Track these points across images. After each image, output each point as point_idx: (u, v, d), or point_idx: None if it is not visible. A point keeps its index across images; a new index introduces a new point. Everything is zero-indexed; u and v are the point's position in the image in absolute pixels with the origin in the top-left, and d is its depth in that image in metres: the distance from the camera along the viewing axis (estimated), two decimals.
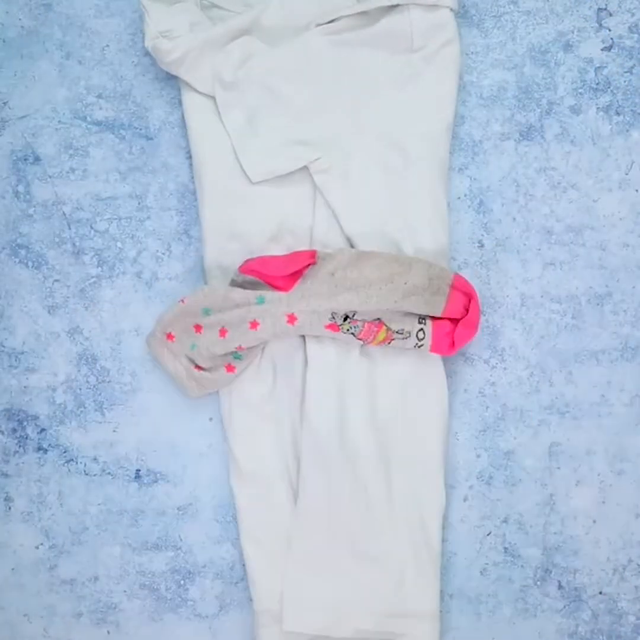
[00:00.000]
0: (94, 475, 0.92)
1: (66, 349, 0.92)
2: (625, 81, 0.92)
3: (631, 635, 0.90)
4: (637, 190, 0.91)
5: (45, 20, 0.93)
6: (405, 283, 0.85)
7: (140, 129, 0.93)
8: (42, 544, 0.92)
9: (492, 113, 0.92)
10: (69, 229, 0.93)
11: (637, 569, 0.90)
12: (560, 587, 0.91)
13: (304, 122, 0.89)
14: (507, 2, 0.93)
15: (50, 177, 0.93)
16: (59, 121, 0.93)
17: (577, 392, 0.91)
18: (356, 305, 0.86)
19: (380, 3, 0.87)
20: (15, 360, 0.92)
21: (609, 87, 0.92)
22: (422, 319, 0.87)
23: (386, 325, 0.87)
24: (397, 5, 0.87)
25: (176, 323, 0.87)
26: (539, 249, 0.91)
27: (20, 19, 0.94)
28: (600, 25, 0.92)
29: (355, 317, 0.87)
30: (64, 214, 0.92)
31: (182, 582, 0.92)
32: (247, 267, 0.86)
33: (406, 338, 0.87)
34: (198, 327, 0.87)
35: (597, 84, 0.92)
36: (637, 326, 0.91)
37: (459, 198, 0.92)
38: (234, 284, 0.87)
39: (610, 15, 0.92)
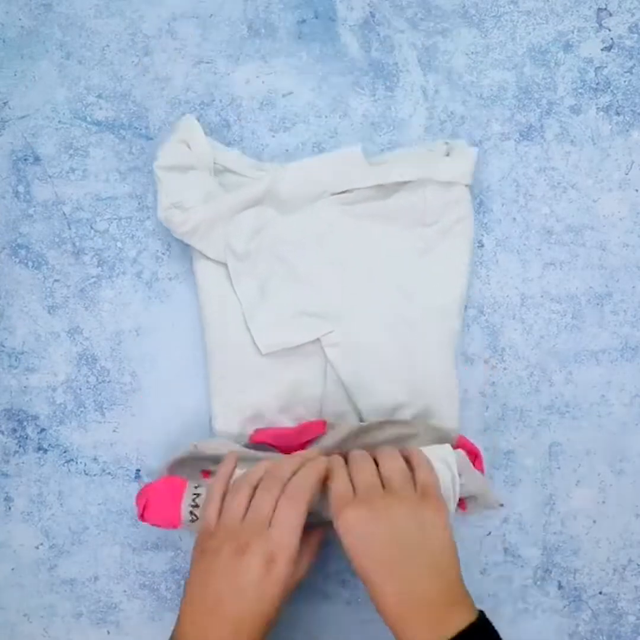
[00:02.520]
0: (94, 475, 0.92)
1: (66, 349, 0.92)
2: (625, 81, 0.92)
3: (631, 636, 0.90)
4: (637, 190, 0.91)
5: (45, 20, 0.93)
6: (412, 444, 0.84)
7: (140, 129, 0.93)
8: (42, 544, 0.92)
9: (492, 113, 0.92)
10: (69, 229, 0.92)
11: (637, 569, 0.90)
12: (560, 587, 0.91)
13: (315, 293, 0.87)
14: (507, 2, 0.93)
15: (50, 177, 0.93)
16: (59, 121, 0.93)
17: (577, 392, 0.91)
18: None
19: (396, 179, 0.85)
20: (15, 360, 0.92)
21: (609, 87, 0.92)
22: None
23: None
24: (412, 181, 0.86)
25: (183, 466, 0.85)
26: (539, 249, 0.91)
27: (20, 19, 0.94)
28: (600, 25, 0.92)
29: None
30: (64, 214, 0.92)
31: (182, 582, 0.91)
32: (259, 438, 0.85)
33: None
34: (205, 474, 0.85)
35: (597, 84, 0.92)
36: (637, 326, 0.91)
37: None
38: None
39: (610, 15, 0.92)
